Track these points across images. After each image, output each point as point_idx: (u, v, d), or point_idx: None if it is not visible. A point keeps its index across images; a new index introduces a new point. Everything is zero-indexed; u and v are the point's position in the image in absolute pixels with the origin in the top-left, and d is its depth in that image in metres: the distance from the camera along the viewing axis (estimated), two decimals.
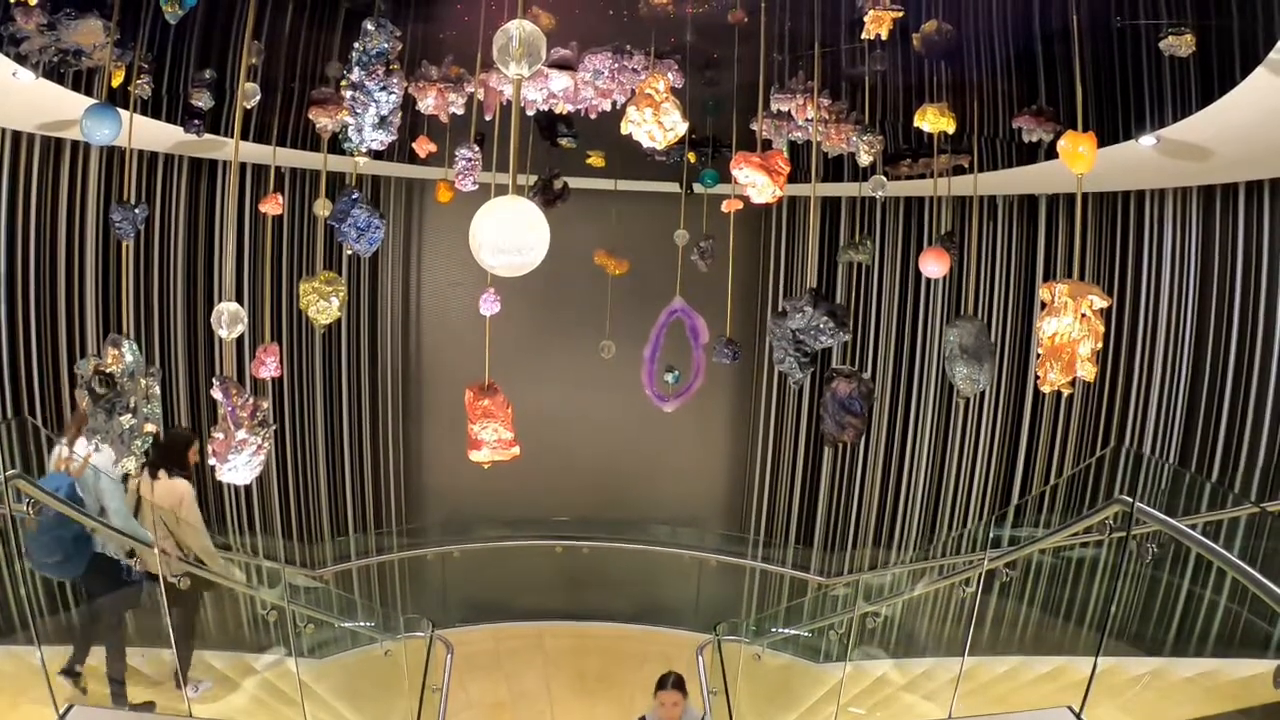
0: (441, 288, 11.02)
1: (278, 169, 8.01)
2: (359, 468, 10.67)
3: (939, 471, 10.44)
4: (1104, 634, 5.80)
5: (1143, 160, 7.14)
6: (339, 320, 10.04)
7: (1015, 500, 9.96)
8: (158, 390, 4.63)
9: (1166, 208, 9.02)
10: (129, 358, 4.56)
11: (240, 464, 4.48)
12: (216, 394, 4.42)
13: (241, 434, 4.44)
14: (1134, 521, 5.78)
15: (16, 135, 8.48)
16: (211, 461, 4.46)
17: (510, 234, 2.54)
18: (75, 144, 8.75)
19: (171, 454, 6.72)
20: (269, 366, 6.14)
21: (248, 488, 10.14)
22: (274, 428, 4.60)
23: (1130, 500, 5.89)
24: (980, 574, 7.06)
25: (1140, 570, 6.31)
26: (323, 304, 6.35)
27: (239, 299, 9.57)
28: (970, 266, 7.77)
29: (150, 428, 4.58)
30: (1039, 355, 4.00)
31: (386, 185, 10.72)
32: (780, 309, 4.92)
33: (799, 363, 4.98)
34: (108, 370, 4.52)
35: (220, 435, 4.46)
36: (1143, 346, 9.20)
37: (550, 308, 10.72)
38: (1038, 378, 4.03)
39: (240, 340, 9.61)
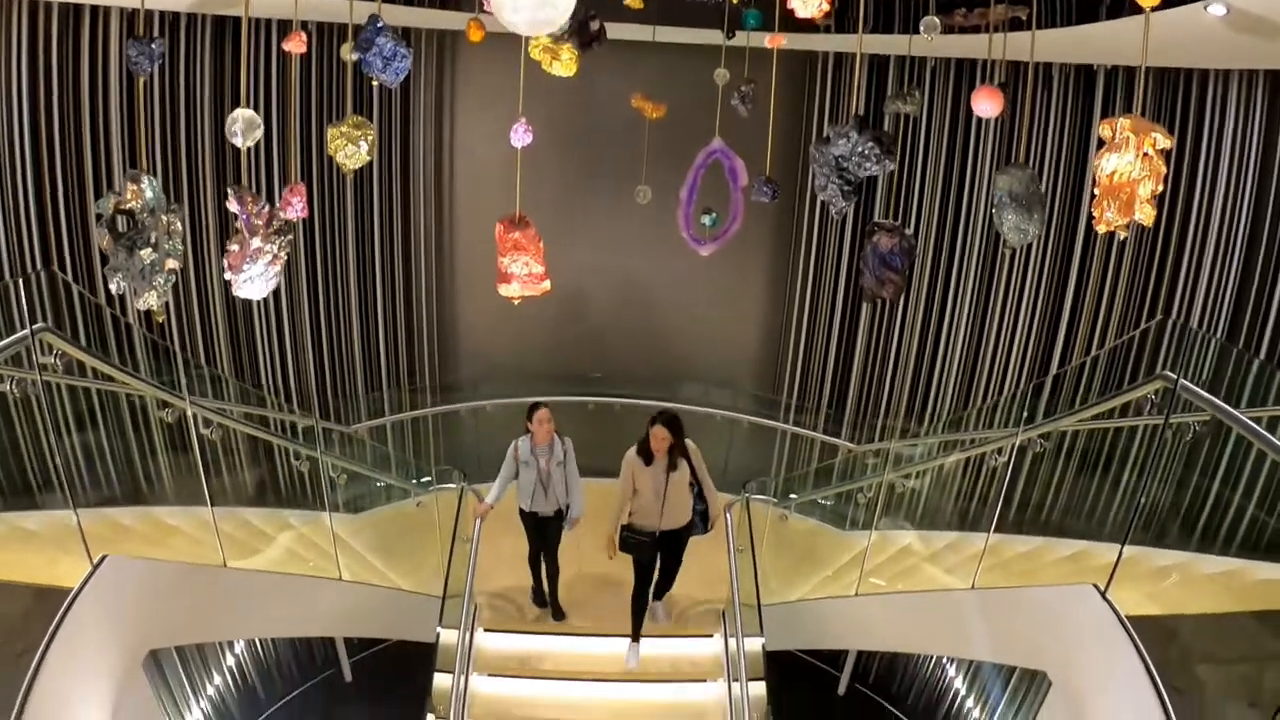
0: (475, 141, 10.75)
1: (303, 23, 7.70)
2: (392, 323, 10.66)
3: (977, 339, 10.24)
4: (1134, 517, 5.73)
5: (1210, 32, 6.68)
6: (371, 177, 9.98)
7: (1054, 371, 9.79)
8: (179, 226, 4.47)
9: (1230, 91, 8.59)
10: (149, 193, 4.42)
11: (255, 274, 4.35)
12: (231, 204, 4.31)
13: (256, 242, 4.32)
14: (1176, 399, 5.62)
15: (34, 6, 8.29)
16: (227, 275, 4.38)
17: None
18: (95, 10, 8.53)
19: None
20: (295, 206, 6.00)
21: (281, 340, 10.18)
22: (290, 236, 4.47)
23: (1174, 377, 5.72)
24: (1014, 444, 6.98)
25: (1171, 466, 6.18)
26: (351, 149, 6.15)
27: (267, 146, 9.44)
28: (1021, 135, 7.40)
29: (172, 264, 4.45)
30: (1095, 195, 3.77)
31: (417, 37, 10.32)
32: (824, 135, 4.64)
33: (842, 191, 4.70)
34: (127, 206, 4.38)
35: (235, 247, 4.36)
36: (1195, 229, 8.89)
37: (585, 163, 10.43)
38: (1092, 217, 3.80)
39: (269, 186, 9.55)
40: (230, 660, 9.25)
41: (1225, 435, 5.98)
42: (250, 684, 9.46)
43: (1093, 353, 9.57)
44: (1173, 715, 4.89)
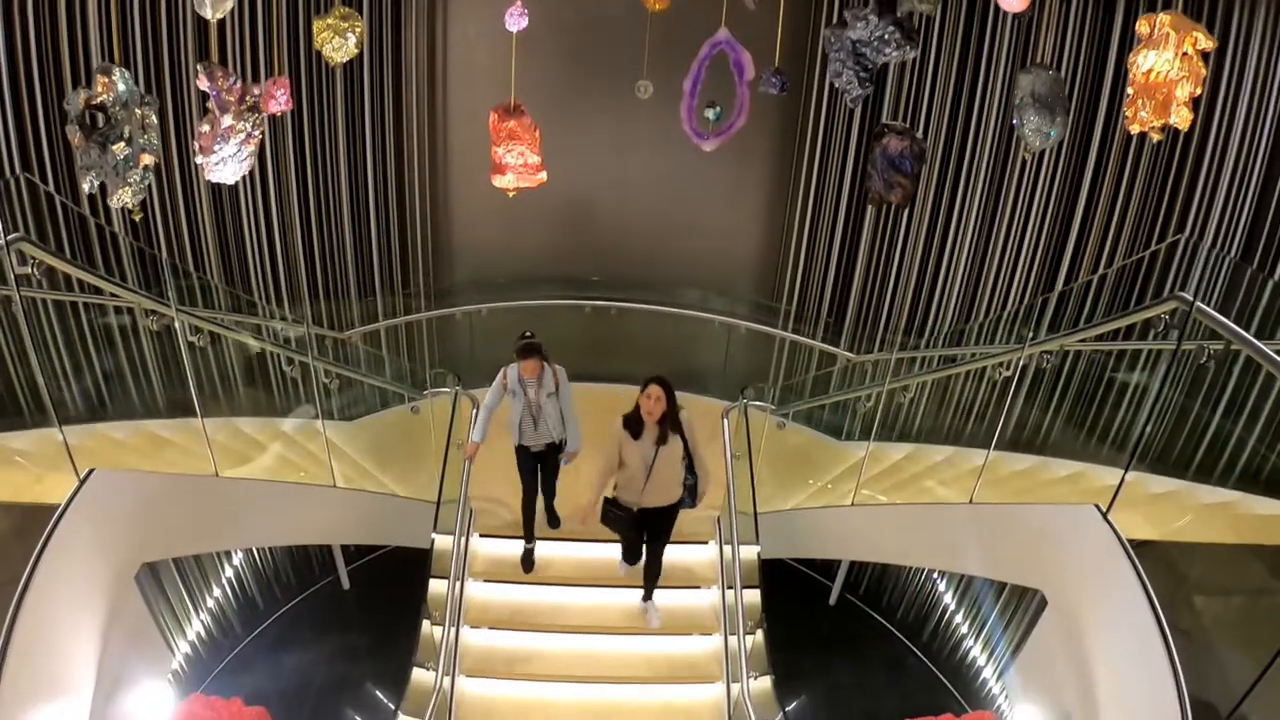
0: (470, 34, 10.35)
1: None
2: (385, 226, 10.41)
3: (983, 250, 10.04)
4: (1139, 441, 5.64)
5: None
6: (361, 73, 9.60)
7: (1060, 288, 9.63)
8: (154, 120, 4.29)
9: (1256, 19, 8.27)
10: (121, 86, 4.21)
11: (228, 155, 4.18)
12: (201, 81, 4.12)
13: (228, 120, 4.14)
14: (1191, 322, 5.49)
15: None
16: (198, 159, 4.20)
17: None
18: None
19: None
20: (279, 100, 5.80)
21: (271, 245, 9.96)
22: (265, 115, 4.28)
23: (1189, 298, 5.58)
24: (1018, 358, 6.88)
25: (1177, 390, 6.06)
26: (338, 41, 5.91)
27: (252, 38, 9.07)
28: (1043, 38, 7.08)
29: (148, 159, 4.28)
30: (1129, 94, 3.58)
31: None
32: (840, 18, 4.41)
33: (858, 77, 4.50)
34: (98, 100, 4.18)
35: (206, 127, 4.16)
36: (1213, 151, 8.61)
37: (584, 57, 10.05)
38: (1125, 117, 3.62)
39: (255, 77, 9.20)
40: (229, 572, 9.31)
41: (1231, 363, 5.86)
42: (249, 595, 9.56)
43: (1101, 270, 9.39)
44: (1170, 639, 4.90)
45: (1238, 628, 5.45)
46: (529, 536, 7.95)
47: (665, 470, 6.79)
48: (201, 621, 8.59)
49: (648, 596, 7.78)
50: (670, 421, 6.66)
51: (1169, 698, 4.70)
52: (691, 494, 7.09)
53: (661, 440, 6.68)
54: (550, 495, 7.93)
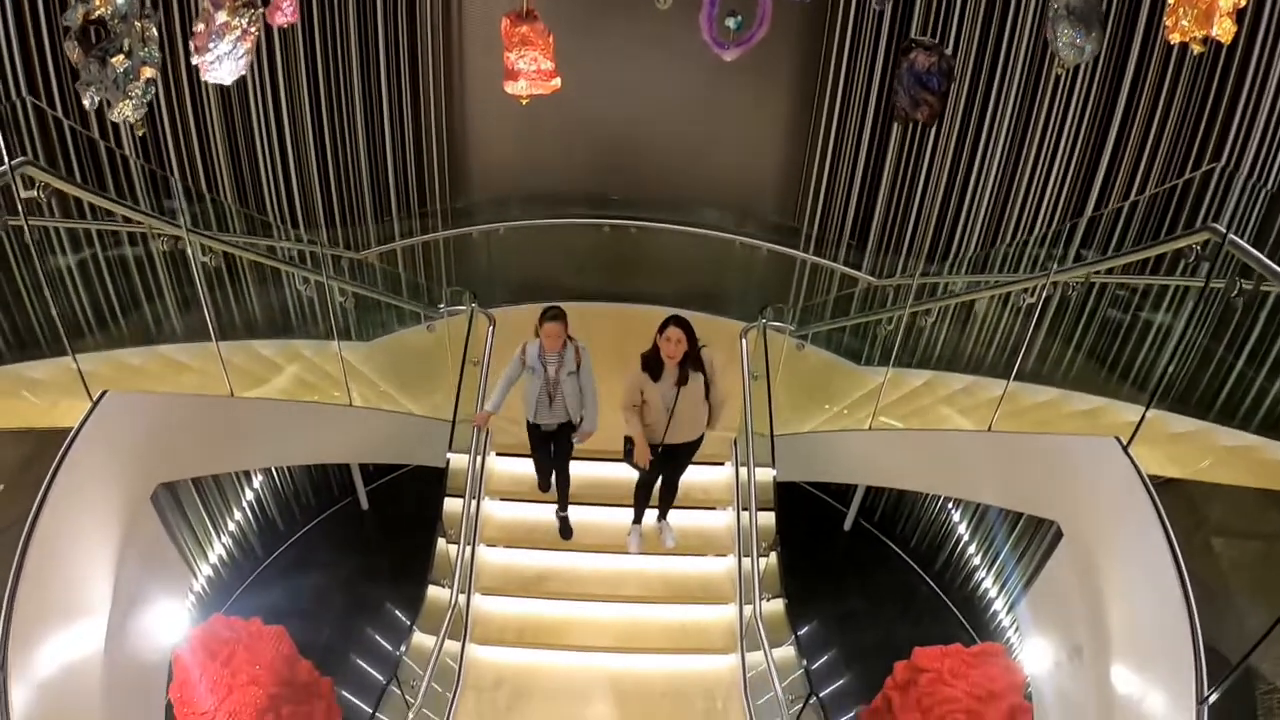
0: None
1: None
2: (400, 144, 10.22)
3: (1011, 173, 9.76)
4: (1162, 376, 5.54)
5: None
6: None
7: (1089, 214, 9.37)
8: (155, 33, 4.18)
9: None
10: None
11: (224, 53, 4.08)
12: None
13: (222, 16, 4.04)
14: (1223, 255, 5.35)
15: None
16: (195, 60, 4.10)
17: None
18: None
19: None
20: (285, 11, 5.66)
21: (284, 163, 9.80)
22: (261, 11, 4.17)
23: (1222, 229, 5.42)
24: (1044, 284, 6.75)
25: (1203, 327, 5.91)
26: None
27: None
28: None
29: (149, 72, 4.18)
30: (1170, 2, 3.42)
31: None
32: None
33: None
34: (96, 14, 4.07)
35: (201, 25, 4.05)
36: (1254, 76, 8.27)
37: None
38: (1165, 27, 3.47)
39: None
40: (249, 494, 9.42)
41: (1260, 304, 5.67)
42: (270, 517, 9.68)
43: (1133, 197, 9.12)
44: (1186, 576, 4.88)
45: (1252, 572, 5.41)
46: (543, 487, 7.84)
47: (687, 410, 6.62)
48: (224, 545, 8.73)
49: (663, 516, 7.81)
50: (691, 361, 6.46)
51: (1182, 636, 4.69)
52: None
53: (682, 381, 6.50)
54: (564, 479, 7.65)
